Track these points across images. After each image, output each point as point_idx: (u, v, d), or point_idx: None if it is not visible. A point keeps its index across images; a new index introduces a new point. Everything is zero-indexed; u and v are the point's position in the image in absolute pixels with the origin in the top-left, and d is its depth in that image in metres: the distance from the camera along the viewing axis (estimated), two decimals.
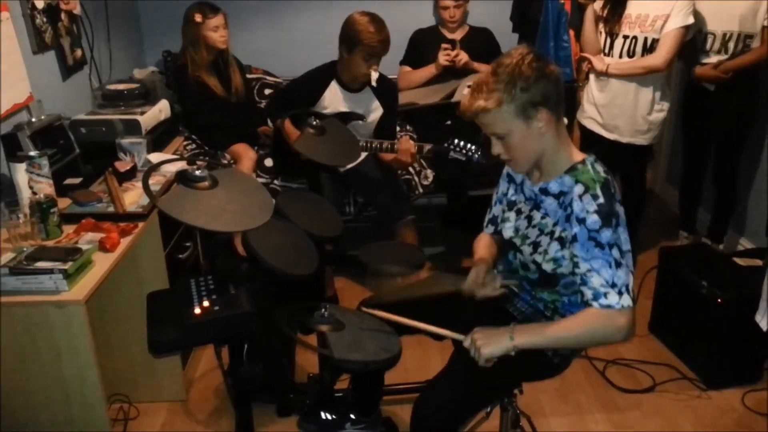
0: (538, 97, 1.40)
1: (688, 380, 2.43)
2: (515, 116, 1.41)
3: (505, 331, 1.45)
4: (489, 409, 1.77)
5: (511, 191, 1.67)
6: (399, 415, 2.10)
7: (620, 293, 1.38)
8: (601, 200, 1.40)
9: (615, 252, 1.39)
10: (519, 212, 1.62)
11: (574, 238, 1.42)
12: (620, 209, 1.43)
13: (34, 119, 2.21)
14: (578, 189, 1.42)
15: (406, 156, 2.71)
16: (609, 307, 1.38)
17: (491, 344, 1.43)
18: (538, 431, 1.89)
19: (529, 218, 1.58)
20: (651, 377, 2.44)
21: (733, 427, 2.22)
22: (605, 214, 1.39)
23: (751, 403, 2.30)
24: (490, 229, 1.77)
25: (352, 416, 1.90)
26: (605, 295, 1.38)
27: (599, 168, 1.48)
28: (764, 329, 2.03)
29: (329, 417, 1.94)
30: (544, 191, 1.53)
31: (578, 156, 1.51)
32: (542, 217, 1.54)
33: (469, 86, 1.74)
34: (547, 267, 1.51)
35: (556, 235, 1.49)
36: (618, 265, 1.39)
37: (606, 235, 1.38)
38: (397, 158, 2.74)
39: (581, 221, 1.40)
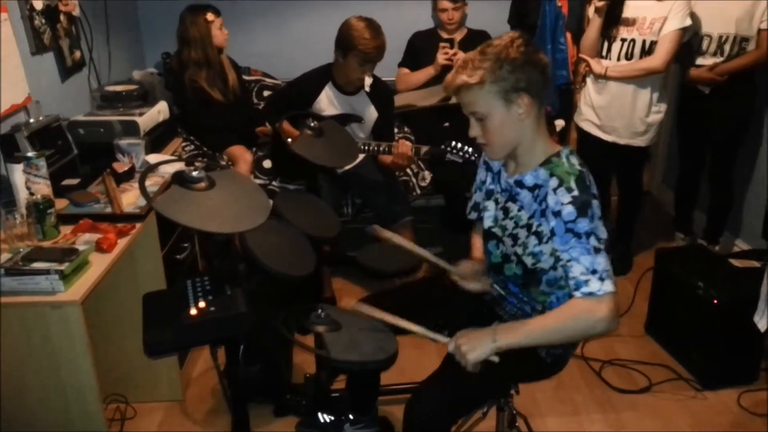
0: (522, 82, 1.40)
1: (684, 381, 2.44)
2: (497, 97, 1.41)
3: (487, 332, 1.44)
4: (485, 409, 1.78)
5: (489, 180, 1.67)
6: (395, 415, 2.10)
7: (601, 279, 1.36)
8: (576, 192, 1.39)
9: (593, 240, 1.38)
10: (496, 202, 1.62)
11: (552, 232, 1.41)
12: (596, 201, 1.41)
13: (32, 120, 2.21)
14: (553, 182, 1.42)
15: (402, 159, 2.72)
16: (591, 294, 1.36)
17: (476, 348, 1.42)
18: (534, 431, 1.89)
19: (505, 210, 1.58)
20: (647, 378, 2.45)
21: (729, 428, 2.22)
22: (579, 204, 1.38)
23: (747, 403, 2.31)
24: (474, 215, 1.76)
25: (351, 416, 1.91)
26: (586, 282, 1.37)
27: (574, 160, 1.47)
28: (762, 330, 2.04)
29: (327, 419, 1.95)
30: (519, 184, 1.53)
31: (554, 148, 1.50)
32: (518, 210, 1.54)
33: None
34: (527, 261, 1.51)
35: (533, 229, 1.49)
36: (597, 251, 1.38)
37: (582, 224, 1.38)
38: (393, 161, 2.76)
39: (556, 214, 1.40)
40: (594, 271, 1.36)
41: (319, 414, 1.94)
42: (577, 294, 1.38)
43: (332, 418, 1.93)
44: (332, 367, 1.78)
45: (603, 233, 1.41)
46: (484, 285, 1.68)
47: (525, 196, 1.51)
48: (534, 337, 1.45)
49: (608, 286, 1.36)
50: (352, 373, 1.85)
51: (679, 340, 2.56)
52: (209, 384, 2.42)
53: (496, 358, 1.43)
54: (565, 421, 2.25)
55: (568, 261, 1.39)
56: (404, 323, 1.54)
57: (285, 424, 2.18)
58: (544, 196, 1.44)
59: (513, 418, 1.77)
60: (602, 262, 1.37)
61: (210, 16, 2.96)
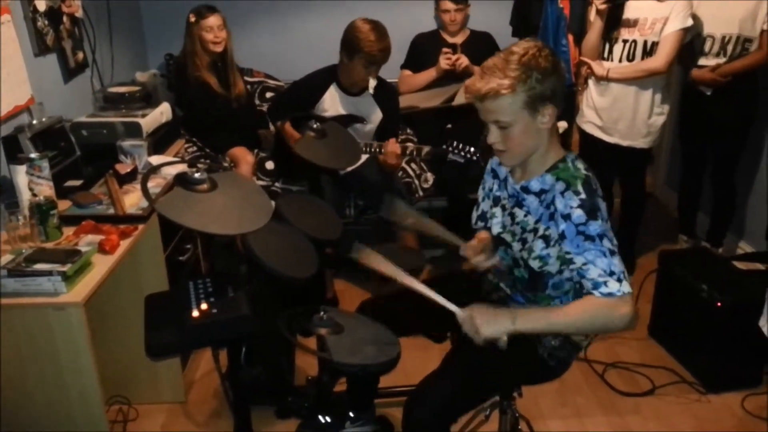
0: (548, 91, 1.40)
1: (687, 384, 2.43)
2: (524, 106, 1.40)
3: (507, 313, 1.45)
4: (488, 412, 1.77)
5: (496, 187, 1.68)
6: (396, 417, 2.09)
7: (619, 280, 1.39)
8: (583, 195, 1.41)
9: (606, 242, 1.40)
10: (504, 208, 1.63)
11: (562, 236, 1.42)
12: (602, 205, 1.43)
13: (35, 121, 2.22)
14: (559, 186, 1.44)
15: (391, 158, 2.71)
16: (610, 294, 1.38)
17: (492, 325, 1.42)
18: None
19: (512, 215, 1.59)
20: (650, 381, 2.44)
21: (733, 431, 2.21)
22: (588, 208, 1.40)
23: (751, 407, 2.30)
24: (480, 225, 1.76)
25: (351, 415, 1.91)
26: (605, 283, 1.38)
27: (579, 165, 1.49)
28: (767, 334, 2.03)
29: (329, 419, 1.94)
30: (525, 189, 1.54)
31: (559, 154, 1.51)
32: (524, 215, 1.54)
33: None
34: (534, 264, 1.51)
35: (540, 233, 1.49)
36: (612, 253, 1.39)
37: (594, 227, 1.39)
38: (383, 159, 2.75)
39: (566, 217, 1.41)
40: (612, 273, 1.39)
41: (320, 416, 1.94)
42: (595, 293, 1.40)
43: (333, 418, 1.93)
44: (334, 369, 1.78)
45: (612, 236, 1.42)
46: (488, 261, 1.66)
47: (531, 201, 1.52)
48: (553, 326, 1.46)
49: (626, 286, 1.39)
50: (353, 375, 1.85)
51: (683, 343, 2.55)
52: (211, 386, 2.42)
53: (505, 339, 1.43)
54: (568, 424, 2.25)
55: (584, 264, 1.40)
56: (410, 283, 1.54)
57: (287, 426, 2.17)
58: (552, 200, 1.45)
59: (515, 420, 1.76)
60: (617, 263, 1.40)
61: (191, 17, 2.93)
